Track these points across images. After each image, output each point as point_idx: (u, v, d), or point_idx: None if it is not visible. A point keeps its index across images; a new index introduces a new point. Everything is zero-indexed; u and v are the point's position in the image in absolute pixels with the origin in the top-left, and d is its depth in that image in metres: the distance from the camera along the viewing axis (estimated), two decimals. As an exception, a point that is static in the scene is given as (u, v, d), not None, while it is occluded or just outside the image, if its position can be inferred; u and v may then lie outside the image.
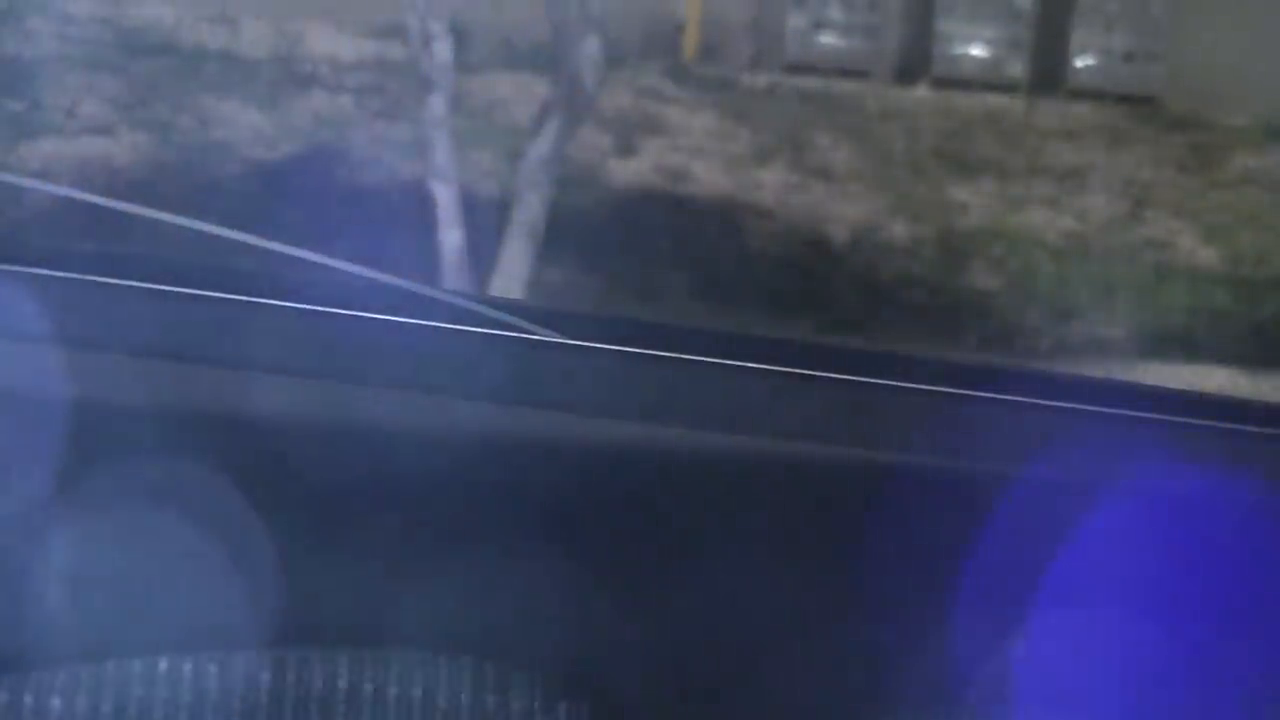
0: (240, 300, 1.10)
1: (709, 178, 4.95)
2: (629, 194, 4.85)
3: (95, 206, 1.25)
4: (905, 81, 5.58)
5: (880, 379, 1.14)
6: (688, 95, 5.34)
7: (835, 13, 5.65)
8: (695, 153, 5.06)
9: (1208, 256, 4.82)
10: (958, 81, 5.56)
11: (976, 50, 5.65)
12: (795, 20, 5.66)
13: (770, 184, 4.93)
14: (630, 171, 4.94)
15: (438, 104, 4.23)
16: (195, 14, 5.28)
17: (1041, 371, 2.58)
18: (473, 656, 1.02)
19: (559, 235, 4.23)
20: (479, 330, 1.12)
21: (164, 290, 1.10)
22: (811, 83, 5.50)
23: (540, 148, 4.20)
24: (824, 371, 1.14)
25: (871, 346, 3.73)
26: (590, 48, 4.28)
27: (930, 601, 1.05)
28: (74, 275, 1.10)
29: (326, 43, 5.27)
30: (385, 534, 1.03)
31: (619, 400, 1.10)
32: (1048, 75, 5.59)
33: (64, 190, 1.39)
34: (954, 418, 1.13)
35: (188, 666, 0.98)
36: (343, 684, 1.00)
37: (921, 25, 5.69)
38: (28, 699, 0.97)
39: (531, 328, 1.14)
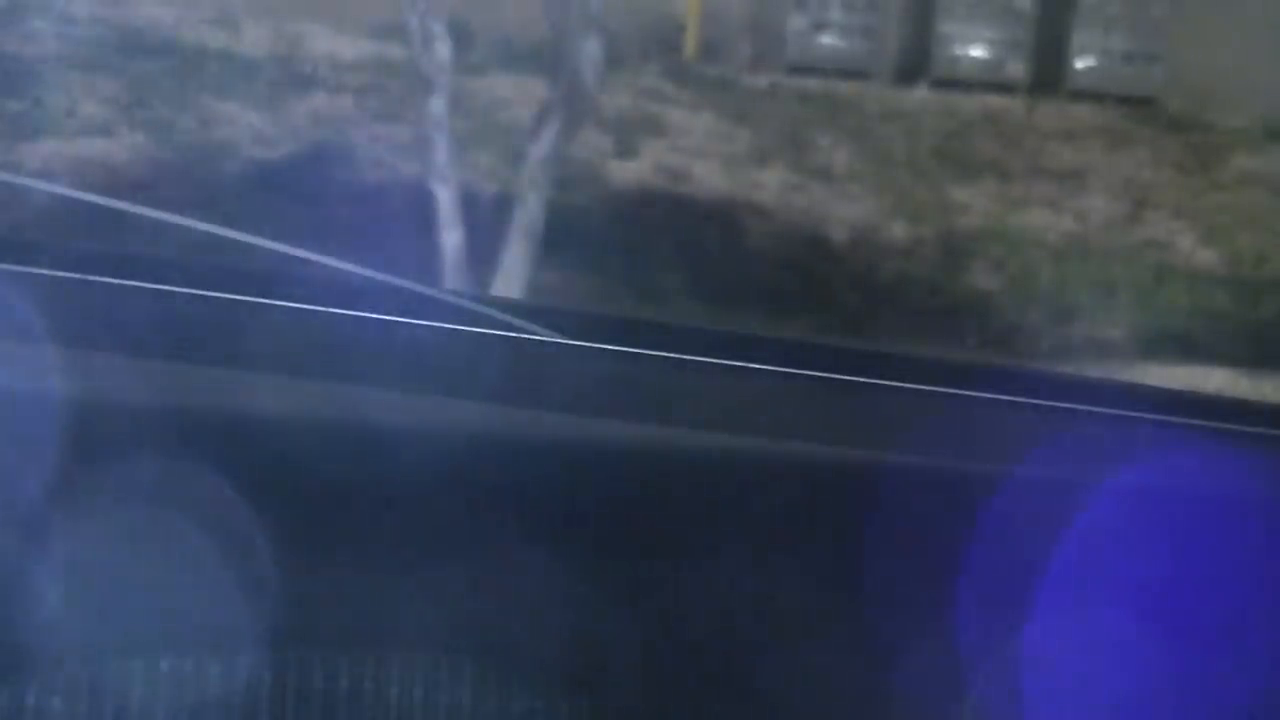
0: (240, 300, 1.10)
1: (709, 178, 4.95)
2: (629, 194, 4.85)
3: (95, 206, 1.25)
4: (905, 82, 5.58)
5: (880, 379, 1.14)
6: (688, 96, 5.34)
7: (836, 13, 5.65)
8: (695, 153, 5.06)
9: (1207, 257, 4.82)
10: (958, 82, 5.57)
11: (977, 51, 5.65)
12: (796, 21, 5.66)
13: (770, 184, 4.93)
14: (630, 172, 4.94)
15: (437, 104, 4.23)
16: (195, 14, 5.28)
17: (1041, 372, 2.58)
18: (474, 658, 1.02)
19: (559, 236, 4.23)
20: (479, 330, 1.12)
21: (164, 290, 1.10)
22: (812, 83, 5.50)
23: (540, 148, 4.20)
24: (824, 372, 1.14)
25: (872, 347, 3.73)
26: (590, 48, 4.28)
27: (929, 601, 1.05)
28: (74, 275, 1.10)
29: (326, 43, 5.27)
30: (386, 535, 1.03)
31: (619, 400, 1.10)
32: (1048, 76, 5.59)
33: (64, 190, 1.39)
34: (954, 418, 1.13)
35: (189, 667, 0.98)
36: (344, 685, 1.00)
37: (922, 26, 5.69)
38: (29, 699, 0.97)
39: (532, 328, 1.14)
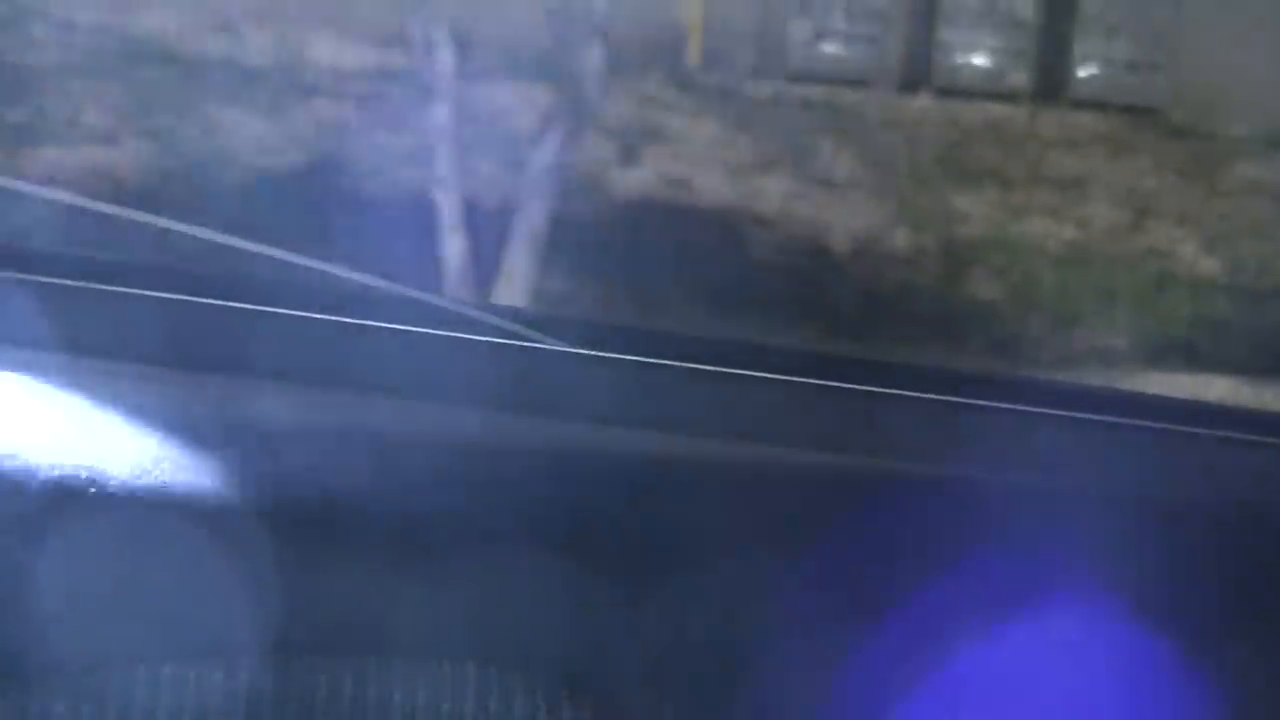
0: (243, 308, 1.10)
1: (711, 186, 4.96)
2: (631, 202, 4.85)
3: (98, 214, 1.25)
4: (908, 91, 5.58)
5: (882, 387, 1.14)
6: (690, 104, 5.35)
7: (838, 22, 5.65)
8: (698, 161, 5.06)
9: (1209, 265, 4.82)
10: (960, 91, 5.57)
11: (979, 60, 5.66)
12: (798, 29, 5.66)
13: (773, 193, 4.94)
14: (633, 180, 4.94)
15: (441, 112, 4.24)
16: (198, 22, 5.29)
17: (1044, 380, 2.58)
18: (476, 663, 1.03)
19: (562, 244, 4.23)
20: (482, 338, 1.12)
21: (167, 298, 1.10)
22: (814, 92, 5.50)
23: (543, 156, 4.21)
24: (826, 380, 1.14)
25: (874, 355, 3.73)
26: (593, 56, 4.29)
27: (930, 607, 1.05)
28: (78, 283, 1.11)
29: (329, 51, 5.27)
30: (388, 541, 1.03)
31: (621, 408, 1.10)
32: (1050, 85, 5.59)
33: (68, 197, 1.39)
34: (955, 426, 1.14)
35: (192, 674, 0.98)
36: (347, 692, 1.00)
37: (924, 34, 5.69)
38: (32, 707, 0.97)
39: (534, 335, 1.14)
